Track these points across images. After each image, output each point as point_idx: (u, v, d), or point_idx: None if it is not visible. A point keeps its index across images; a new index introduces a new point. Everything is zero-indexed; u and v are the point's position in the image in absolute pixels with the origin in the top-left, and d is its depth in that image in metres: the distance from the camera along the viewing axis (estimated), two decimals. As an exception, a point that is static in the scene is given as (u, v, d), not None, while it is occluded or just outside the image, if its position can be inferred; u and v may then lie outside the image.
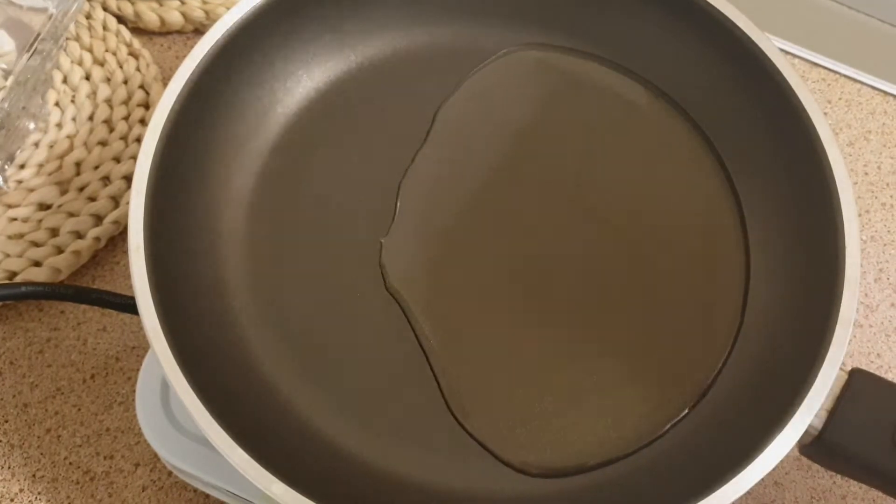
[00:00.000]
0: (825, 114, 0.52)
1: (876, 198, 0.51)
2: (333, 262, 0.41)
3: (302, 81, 0.44)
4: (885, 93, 0.54)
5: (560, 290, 0.41)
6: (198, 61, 0.40)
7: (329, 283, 0.41)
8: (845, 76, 0.55)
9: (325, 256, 0.41)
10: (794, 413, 0.33)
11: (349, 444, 0.37)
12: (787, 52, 0.55)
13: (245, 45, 0.42)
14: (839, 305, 0.35)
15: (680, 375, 0.39)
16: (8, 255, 0.47)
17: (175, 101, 0.39)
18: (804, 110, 0.39)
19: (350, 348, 0.39)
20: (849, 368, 0.35)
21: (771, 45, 0.41)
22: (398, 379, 0.39)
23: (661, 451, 0.37)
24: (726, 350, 0.39)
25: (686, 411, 0.38)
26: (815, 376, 0.34)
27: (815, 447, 0.34)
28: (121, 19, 0.55)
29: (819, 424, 0.34)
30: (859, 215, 0.49)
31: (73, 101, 0.52)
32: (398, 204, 0.42)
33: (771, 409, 0.34)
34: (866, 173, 0.52)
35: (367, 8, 0.45)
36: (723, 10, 0.42)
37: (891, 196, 0.51)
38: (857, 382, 0.34)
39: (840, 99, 0.54)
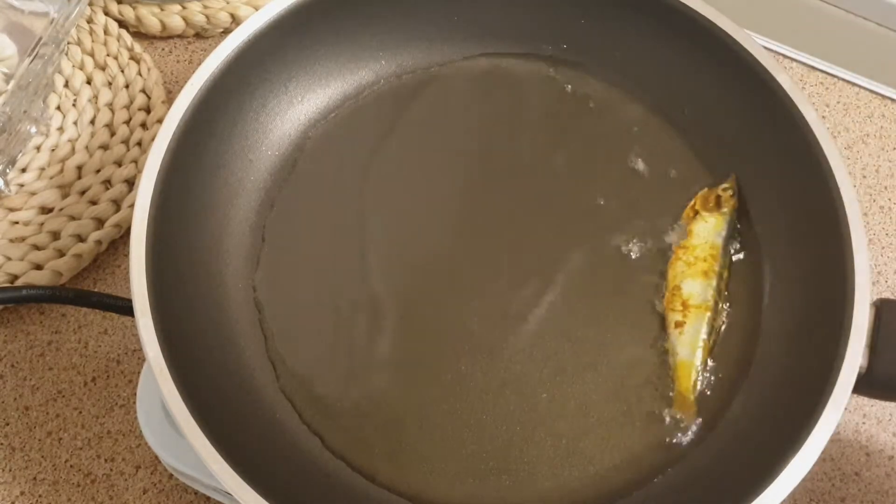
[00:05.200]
0: (823, 117, 0.53)
1: (874, 201, 0.51)
2: (336, 279, 0.41)
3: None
4: (883, 96, 0.54)
5: (568, 301, 0.41)
6: (211, 70, 0.40)
7: (331, 300, 0.41)
8: (843, 80, 0.55)
9: (328, 272, 0.41)
10: (842, 362, 0.34)
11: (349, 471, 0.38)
12: (785, 56, 0.55)
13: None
14: (853, 268, 0.36)
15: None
16: (9, 259, 0.47)
17: (186, 110, 0.39)
18: (802, 116, 0.39)
19: (353, 375, 0.39)
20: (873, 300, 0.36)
21: (758, 45, 0.41)
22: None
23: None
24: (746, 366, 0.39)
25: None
26: (850, 319, 0.35)
27: (865, 383, 0.35)
28: (122, 24, 0.55)
29: (864, 362, 0.34)
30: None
31: (74, 105, 0.52)
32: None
33: (814, 372, 0.35)
34: (864, 176, 0.52)
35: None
36: (707, 15, 0.42)
37: (888, 199, 0.51)
38: (886, 311, 0.35)
39: (838, 103, 0.54)
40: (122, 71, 0.53)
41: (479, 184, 0.44)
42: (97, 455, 0.44)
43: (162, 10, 0.55)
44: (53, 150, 0.51)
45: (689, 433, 0.38)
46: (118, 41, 0.54)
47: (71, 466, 0.43)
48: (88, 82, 0.53)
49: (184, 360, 0.35)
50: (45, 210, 0.49)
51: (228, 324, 0.40)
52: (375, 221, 0.43)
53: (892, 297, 0.40)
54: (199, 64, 0.41)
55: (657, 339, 0.40)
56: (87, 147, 0.50)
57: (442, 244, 0.42)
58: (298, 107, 0.45)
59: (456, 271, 0.41)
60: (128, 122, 0.52)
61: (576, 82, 0.46)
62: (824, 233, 0.38)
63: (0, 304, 0.44)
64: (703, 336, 0.39)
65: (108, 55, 0.54)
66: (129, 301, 0.35)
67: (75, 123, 0.51)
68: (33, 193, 0.49)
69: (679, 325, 0.39)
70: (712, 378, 0.39)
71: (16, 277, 0.46)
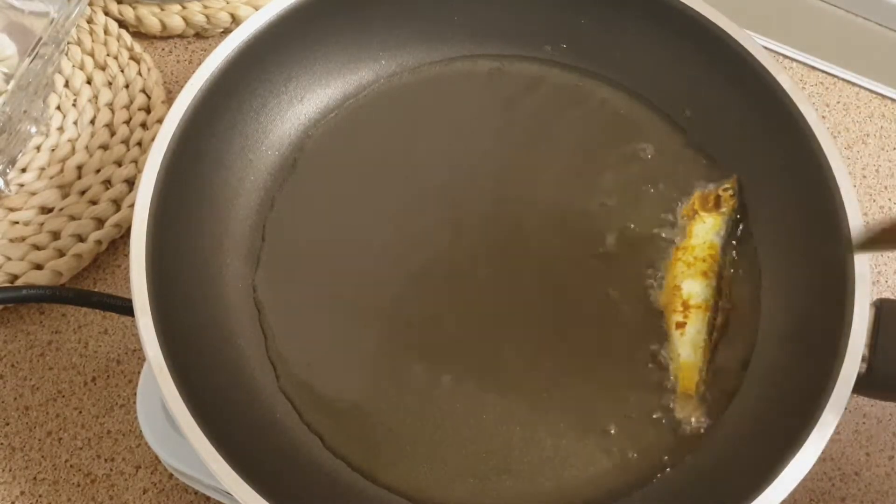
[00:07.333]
0: (823, 117, 0.53)
1: (874, 201, 0.51)
2: (336, 279, 0.41)
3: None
4: (883, 96, 0.54)
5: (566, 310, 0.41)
6: (212, 69, 0.41)
7: (331, 300, 0.41)
8: (843, 80, 0.55)
9: (328, 272, 0.42)
10: (842, 362, 0.34)
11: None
12: (785, 56, 0.55)
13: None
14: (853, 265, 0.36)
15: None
16: (9, 259, 0.47)
17: (186, 110, 0.39)
18: (802, 116, 0.39)
19: (353, 375, 0.39)
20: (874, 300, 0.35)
21: (758, 45, 0.41)
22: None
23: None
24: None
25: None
26: (850, 319, 0.35)
27: (865, 383, 0.35)
28: (122, 24, 0.55)
29: (864, 362, 0.34)
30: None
31: (74, 105, 0.52)
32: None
33: (814, 372, 0.35)
34: (864, 176, 0.52)
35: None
36: (708, 15, 0.42)
37: (888, 199, 0.51)
38: (886, 311, 0.35)
39: (838, 103, 0.54)
40: (122, 71, 0.53)
41: (479, 183, 0.44)
42: (97, 455, 0.44)
43: (162, 10, 0.55)
44: (53, 150, 0.51)
45: (690, 433, 0.38)
46: (118, 41, 0.54)
47: (71, 466, 0.43)
48: (88, 82, 0.53)
49: (184, 360, 0.35)
50: (45, 210, 0.49)
51: (228, 324, 0.40)
52: (375, 221, 0.43)
53: (892, 297, 0.41)
54: (199, 64, 0.41)
55: (658, 340, 0.40)
56: (87, 147, 0.50)
57: (442, 244, 0.42)
58: (298, 107, 0.45)
59: (456, 271, 0.41)
60: (128, 122, 0.52)
61: (576, 82, 0.46)
62: (824, 233, 0.38)
63: (0, 304, 0.44)
64: (705, 336, 0.39)
65: (108, 55, 0.54)
66: (129, 301, 0.35)
67: (75, 123, 0.51)
68: (33, 193, 0.49)
69: (680, 325, 0.39)
70: (713, 378, 0.39)
71: (16, 277, 0.46)
